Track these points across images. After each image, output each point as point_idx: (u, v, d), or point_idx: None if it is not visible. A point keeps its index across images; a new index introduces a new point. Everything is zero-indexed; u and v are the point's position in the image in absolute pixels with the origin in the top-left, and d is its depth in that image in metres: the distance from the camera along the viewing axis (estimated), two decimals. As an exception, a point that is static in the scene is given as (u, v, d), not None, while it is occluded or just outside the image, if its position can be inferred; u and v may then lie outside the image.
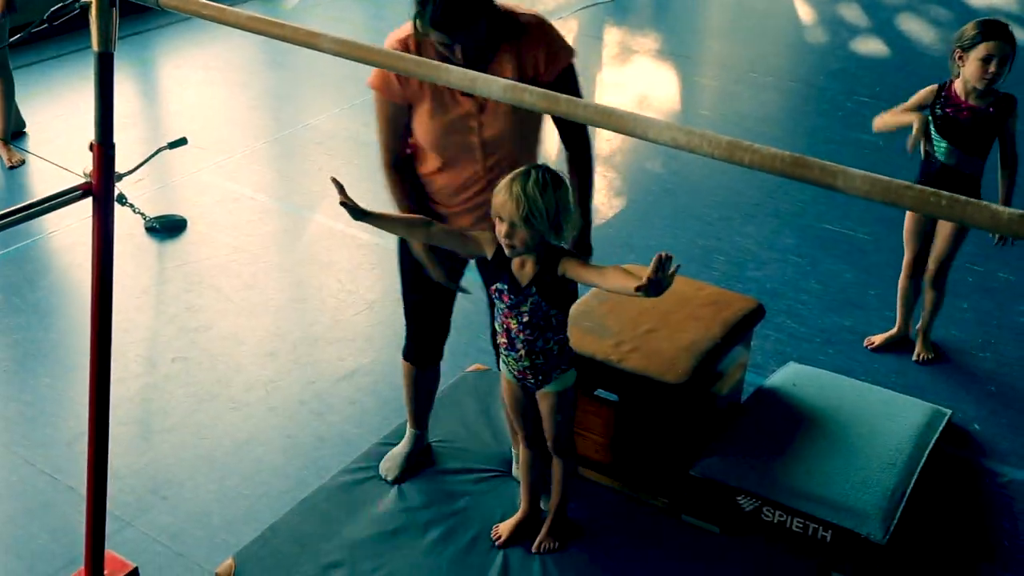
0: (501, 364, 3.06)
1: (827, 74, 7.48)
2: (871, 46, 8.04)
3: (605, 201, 5.60)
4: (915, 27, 8.48)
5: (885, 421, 3.74)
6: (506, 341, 2.93)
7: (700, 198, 5.47)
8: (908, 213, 4.24)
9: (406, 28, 2.93)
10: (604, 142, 6.11)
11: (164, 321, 4.66)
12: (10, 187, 5.76)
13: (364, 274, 5.00)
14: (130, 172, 2.94)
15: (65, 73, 7.18)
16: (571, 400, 3.05)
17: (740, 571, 3.33)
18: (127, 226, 5.19)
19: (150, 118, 6.65)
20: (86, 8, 2.62)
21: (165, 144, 5.60)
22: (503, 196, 2.66)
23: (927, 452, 3.63)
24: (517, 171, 2.69)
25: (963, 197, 1.83)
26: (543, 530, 3.26)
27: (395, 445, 3.68)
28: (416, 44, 2.88)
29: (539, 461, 3.23)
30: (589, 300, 3.82)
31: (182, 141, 5.71)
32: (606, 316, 3.72)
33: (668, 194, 5.70)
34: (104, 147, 2.77)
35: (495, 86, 2.11)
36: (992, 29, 3.84)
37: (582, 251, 3.20)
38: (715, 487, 3.47)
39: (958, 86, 3.94)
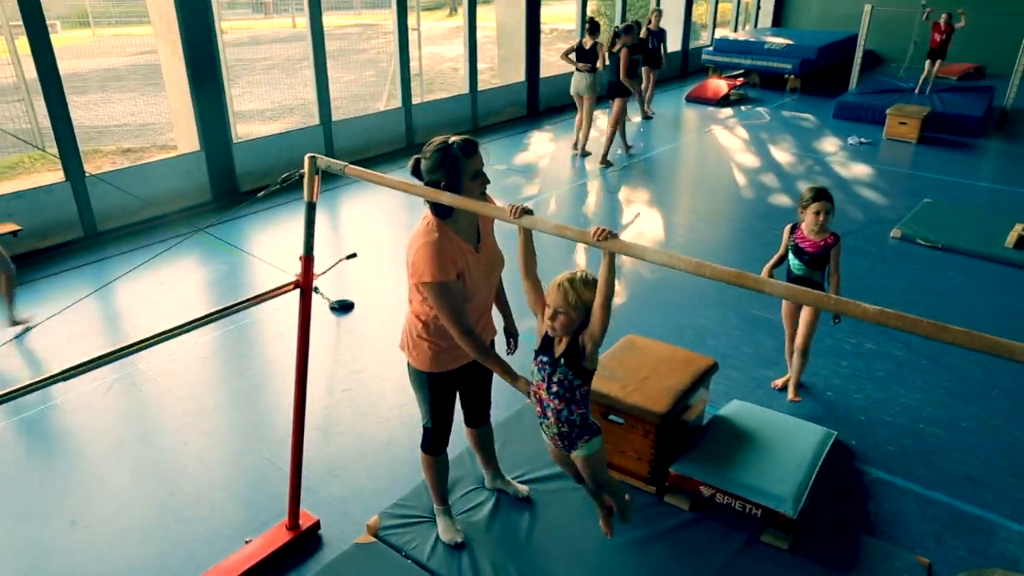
0: (542, 431, 2.61)
1: (756, 216, 7.47)
2: (779, 199, 8.02)
3: (617, 295, 5.60)
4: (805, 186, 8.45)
5: (794, 438, 3.68)
6: (540, 410, 2.53)
7: (676, 294, 5.47)
8: (784, 303, 4.29)
9: (432, 227, 2.59)
10: (617, 260, 6.11)
11: (338, 366, 4.71)
12: (247, 281, 5.90)
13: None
14: (322, 273, 3.02)
15: (287, 213, 7.36)
16: (600, 458, 2.59)
17: (703, 534, 3.27)
18: (317, 307, 5.29)
19: (335, 241, 6.82)
20: (302, 176, 2.76)
21: (344, 256, 5.76)
22: (556, 292, 2.34)
23: (822, 458, 3.56)
24: (567, 274, 2.36)
25: (844, 299, 1.85)
26: (617, 513, 2.84)
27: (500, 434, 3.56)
28: (443, 233, 2.57)
29: (600, 499, 2.80)
30: (605, 360, 3.82)
31: (354, 255, 5.87)
32: (616, 368, 3.72)
33: (656, 292, 5.70)
34: (307, 259, 2.88)
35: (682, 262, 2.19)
36: (819, 193, 3.92)
37: None
38: (686, 480, 3.43)
39: (803, 227, 4.00)
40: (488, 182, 2.63)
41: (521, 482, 3.55)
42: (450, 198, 2.46)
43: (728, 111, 12.55)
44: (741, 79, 14.15)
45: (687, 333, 4.97)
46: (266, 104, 9.90)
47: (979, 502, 3.55)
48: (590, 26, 8.96)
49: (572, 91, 9.12)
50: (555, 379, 2.45)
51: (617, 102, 8.93)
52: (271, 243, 6.61)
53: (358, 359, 4.71)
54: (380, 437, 4.00)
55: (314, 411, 4.15)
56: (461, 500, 3.43)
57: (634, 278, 6.01)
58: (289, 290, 2.87)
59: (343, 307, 5.37)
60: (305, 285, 2.90)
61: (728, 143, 10.48)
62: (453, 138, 2.60)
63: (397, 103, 9.66)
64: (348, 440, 3.97)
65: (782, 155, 9.80)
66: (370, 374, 4.54)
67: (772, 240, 6.67)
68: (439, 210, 2.62)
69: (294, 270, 2.92)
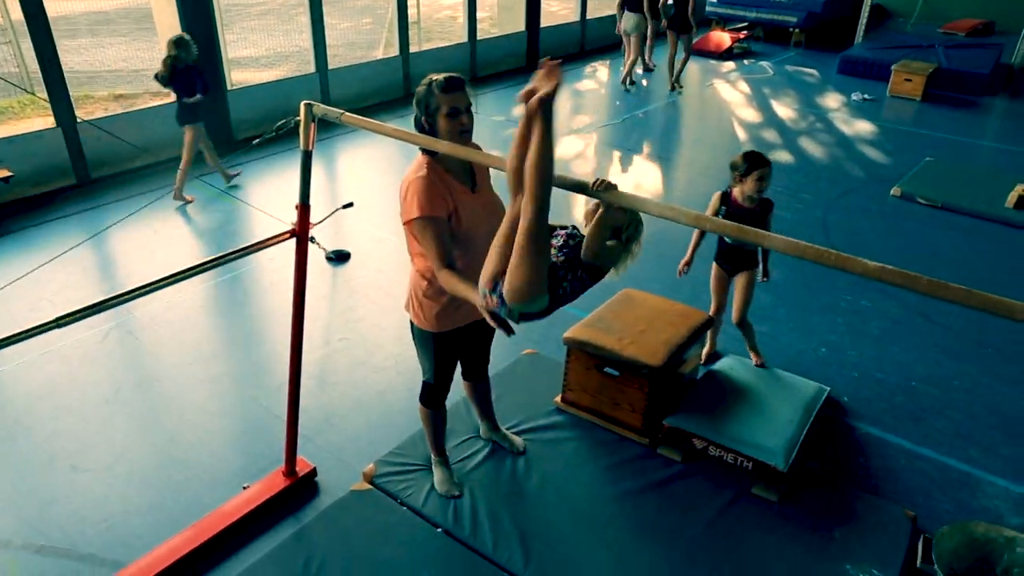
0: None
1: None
2: (781, 155, 7.96)
3: (612, 249, 5.60)
4: (808, 145, 8.39)
5: (787, 393, 3.72)
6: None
7: (675, 248, 5.43)
8: (712, 272, 4.08)
9: (421, 164, 2.55)
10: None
11: (335, 315, 4.73)
12: (244, 229, 5.88)
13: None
14: (319, 223, 3.00)
15: (282, 162, 7.29)
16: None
17: (695, 486, 3.32)
18: (314, 255, 5.29)
19: (332, 190, 6.76)
20: (297, 124, 2.73)
21: (340, 206, 5.73)
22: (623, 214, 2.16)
23: (814, 413, 3.61)
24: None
25: (845, 254, 1.84)
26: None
27: (495, 388, 3.54)
28: (432, 170, 2.46)
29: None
30: (602, 311, 3.83)
31: (350, 204, 5.83)
32: (613, 320, 3.74)
33: (655, 245, 5.64)
34: (303, 207, 2.86)
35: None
36: (760, 158, 3.73)
37: None
38: (679, 433, 3.47)
39: (736, 193, 3.79)
40: (467, 122, 2.51)
41: (515, 432, 3.59)
42: (447, 146, 2.42)
43: (731, 65, 12.37)
44: (745, 32, 13.91)
45: (684, 288, 4.97)
46: (261, 51, 9.73)
47: (966, 458, 3.61)
48: None
49: (621, 31, 10.32)
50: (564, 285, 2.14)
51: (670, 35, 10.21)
52: (267, 192, 6.57)
53: (354, 308, 4.72)
54: (376, 386, 4.03)
55: (311, 360, 4.17)
56: (457, 449, 3.48)
57: (632, 233, 5.98)
58: (285, 238, 2.85)
59: (339, 257, 5.37)
60: (301, 234, 2.89)
61: (730, 97, 10.36)
62: (438, 76, 2.55)
63: (395, 51, 9.50)
64: (344, 389, 4.01)
65: (784, 111, 9.69)
66: (367, 323, 4.55)
67: (772, 196, 6.63)
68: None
69: (290, 219, 2.90)
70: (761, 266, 4.00)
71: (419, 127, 2.56)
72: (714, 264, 4.07)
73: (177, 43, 5.92)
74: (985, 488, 3.43)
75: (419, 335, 2.90)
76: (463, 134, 2.52)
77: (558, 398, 3.78)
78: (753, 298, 4.03)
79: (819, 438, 3.66)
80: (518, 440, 3.53)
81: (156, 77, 6.00)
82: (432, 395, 3.07)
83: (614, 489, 3.26)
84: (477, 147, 2.57)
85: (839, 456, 3.59)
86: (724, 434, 3.39)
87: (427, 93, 2.52)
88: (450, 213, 2.55)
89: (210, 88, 6.49)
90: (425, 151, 2.60)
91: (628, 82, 10.50)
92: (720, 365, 3.97)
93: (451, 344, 2.90)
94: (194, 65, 6.03)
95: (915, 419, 3.87)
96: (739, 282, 3.99)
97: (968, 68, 10.76)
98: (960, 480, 3.47)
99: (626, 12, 10.19)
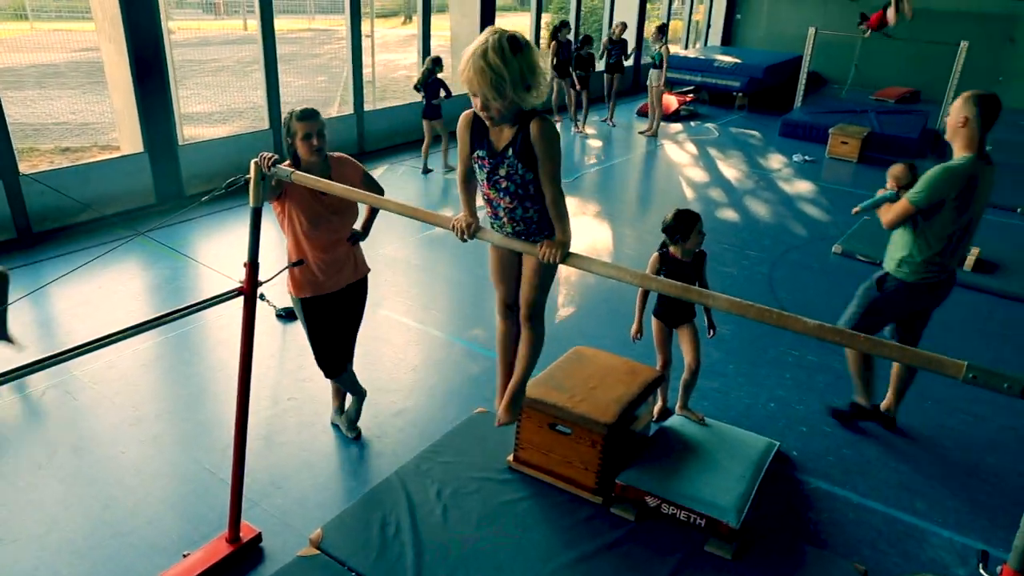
0: (492, 232, 2.37)
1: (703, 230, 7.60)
2: (727, 214, 8.19)
3: (564, 305, 5.65)
4: (753, 203, 8.65)
5: (738, 448, 3.75)
6: (490, 210, 2.33)
7: (624, 305, 5.52)
8: (654, 329, 4.01)
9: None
10: (564, 269, 6.17)
11: (283, 374, 4.63)
12: (190, 286, 5.77)
13: (411, 348, 4.99)
14: (268, 280, 2.97)
15: (233, 218, 7.23)
16: (551, 273, 2.41)
17: (648, 546, 3.29)
18: (263, 313, 5.21)
19: (282, 247, 6.71)
20: (247, 182, 2.72)
21: (290, 263, 5.65)
22: (469, 72, 2.00)
23: (764, 468, 3.63)
24: (478, 42, 2.00)
25: (786, 313, 1.89)
26: (507, 397, 2.61)
27: (439, 458, 3.71)
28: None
29: (510, 335, 2.66)
30: (553, 369, 3.83)
31: (300, 262, 5.76)
32: (564, 378, 3.73)
33: (604, 302, 5.74)
34: (252, 265, 2.83)
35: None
36: (691, 215, 3.70)
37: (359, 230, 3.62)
38: (632, 491, 3.45)
39: (674, 251, 3.81)
40: (317, 143, 3.23)
41: (467, 493, 3.53)
42: (397, 206, 2.47)
43: (678, 126, 12.78)
44: (691, 95, 14.43)
45: (635, 345, 5.01)
46: (215, 107, 9.70)
47: (912, 510, 3.66)
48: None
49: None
50: (500, 173, 2.21)
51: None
52: (216, 248, 6.47)
53: (304, 368, 4.63)
54: (324, 447, 3.94)
55: (258, 420, 4.07)
56: (412, 514, 3.39)
57: (582, 289, 6.06)
58: (233, 296, 2.81)
59: (289, 315, 5.28)
60: (249, 292, 2.85)
61: (678, 158, 10.67)
62: (297, 108, 3.26)
63: (349, 109, 9.58)
64: (292, 450, 3.90)
65: (730, 171, 10.01)
66: (316, 384, 4.47)
67: (720, 252, 6.81)
68: (293, 160, 3.31)
69: (239, 276, 2.86)
70: (706, 321, 4.06)
71: (286, 148, 3.30)
72: (654, 319, 4.10)
73: (435, 60, 8.64)
74: (931, 539, 3.47)
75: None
76: (316, 151, 3.26)
77: (510, 457, 3.74)
78: (699, 346, 4.04)
79: (770, 493, 3.67)
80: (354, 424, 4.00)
81: (415, 87, 8.73)
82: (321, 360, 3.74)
83: (568, 552, 3.20)
84: (338, 160, 3.42)
85: (790, 511, 3.60)
86: (676, 492, 3.38)
87: (288, 121, 3.26)
88: (285, 194, 3.32)
89: (451, 94, 8.76)
90: (292, 161, 3.30)
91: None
92: (672, 422, 3.98)
93: (317, 312, 3.57)
94: (439, 78, 8.59)
95: (862, 472, 3.92)
96: (683, 335, 4.00)
97: (898, 132, 11.31)
98: (907, 532, 3.51)
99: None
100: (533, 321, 2.54)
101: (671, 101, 13.31)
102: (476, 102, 2.09)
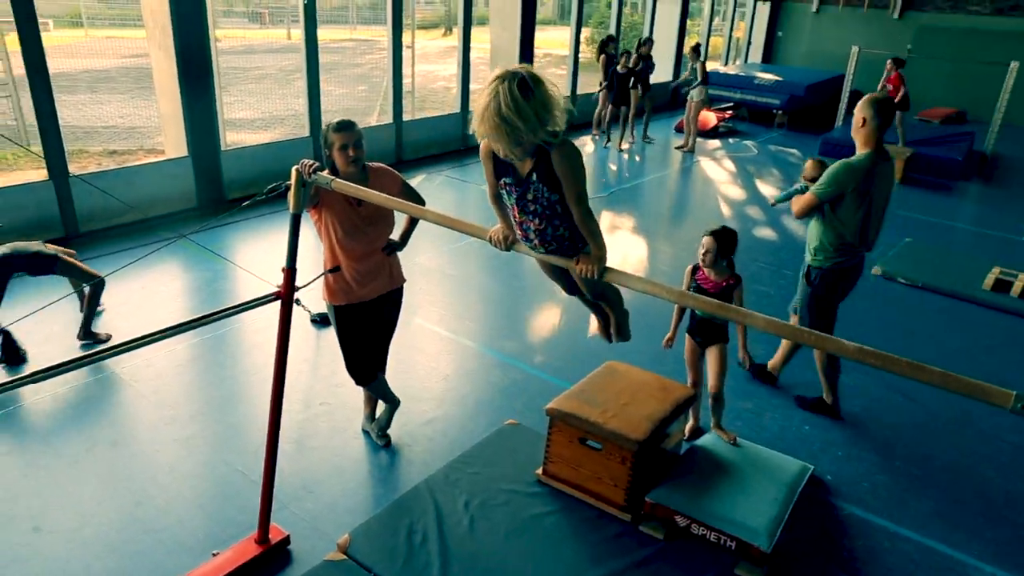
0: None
1: (741, 248, 7.51)
2: (765, 232, 8.09)
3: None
4: (792, 223, 8.53)
5: (771, 470, 3.68)
6: (521, 233, 2.36)
7: (661, 320, 5.45)
8: (686, 347, 4.07)
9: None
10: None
11: (317, 379, 4.67)
12: (228, 288, 5.85)
13: (443, 358, 5.01)
14: (304, 286, 3.01)
15: (273, 223, 7.32)
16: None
17: (677, 566, 3.25)
18: (298, 318, 5.25)
19: (317, 252, 6.78)
20: (288, 187, 2.76)
21: (327, 269, 5.71)
22: (485, 129, 2.03)
23: (797, 492, 3.56)
24: (487, 95, 2.00)
25: (823, 334, 1.86)
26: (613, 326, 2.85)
27: (468, 468, 3.71)
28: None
29: (599, 309, 2.83)
30: (584, 384, 3.81)
31: (336, 268, 5.81)
32: (596, 392, 3.71)
33: (639, 316, 5.66)
34: (290, 270, 2.87)
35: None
36: (712, 232, 3.79)
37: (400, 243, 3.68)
38: (661, 509, 3.41)
39: (706, 269, 3.85)
40: (354, 153, 3.29)
41: (495, 505, 3.52)
42: (436, 216, 2.50)
43: (716, 143, 12.69)
44: (730, 112, 14.32)
45: (667, 361, 4.96)
46: (257, 113, 9.88)
47: (950, 541, 3.56)
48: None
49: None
50: (528, 198, 2.23)
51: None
52: (255, 253, 6.56)
53: (337, 373, 4.66)
54: (355, 453, 3.96)
55: (290, 424, 4.10)
56: (439, 523, 3.39)
57: (617, 304, 6.01)
58: (270, 301, 2.84)
59: (324, 320, 5.33)
60: (285, 297, 2.89)
61: (715, 175, 10.58)
62: (335, 120, 3.33)
63: (388, 119, 9.68)
64: (323, 455, 3.93)
65: (768, 189, 9.90)
66: (348, 389, 4.50)
67: (756, 272, 6.73)
68: (332, 170, 3.33)
69: (277, 281, 2.90)
70: (739, 345, 4.02)
71: (325, 158, 3.36)
72: (687, 337, 4.08)
73: (645, 43, 10.52)
74: (969, 572, 3.37)
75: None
76: (353, 162, 3.33)
77: (539, 470, 3.72)
78: (727, 370, 3.99)
79: (803, 517, 3.60)
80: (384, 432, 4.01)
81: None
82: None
83: (596, 569, 3.17)
84: (376, 170, 3.46)
85: (823, 536, 3.53)
86: (707, 512, 3.33)
87: (325, 133, 3.34)
88: (321, 201, 3.37)
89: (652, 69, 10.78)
90: (330, 171, 3.29)
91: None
92: (703, 441, 3.93)
93: (351, 320, 3.62)
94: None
95: (898, 499, 3.82)
96: (710, 355, 3.96)
97: (943, 154, 11.08)
98: (943, 564, 3.41)
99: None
100: (603, 300, 2.76)
101: (709, 117, 13.21)
102: (499, 149, 2.12)
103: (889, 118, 3.96)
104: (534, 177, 2.19)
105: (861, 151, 4.00)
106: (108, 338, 4.90)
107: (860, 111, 3.95)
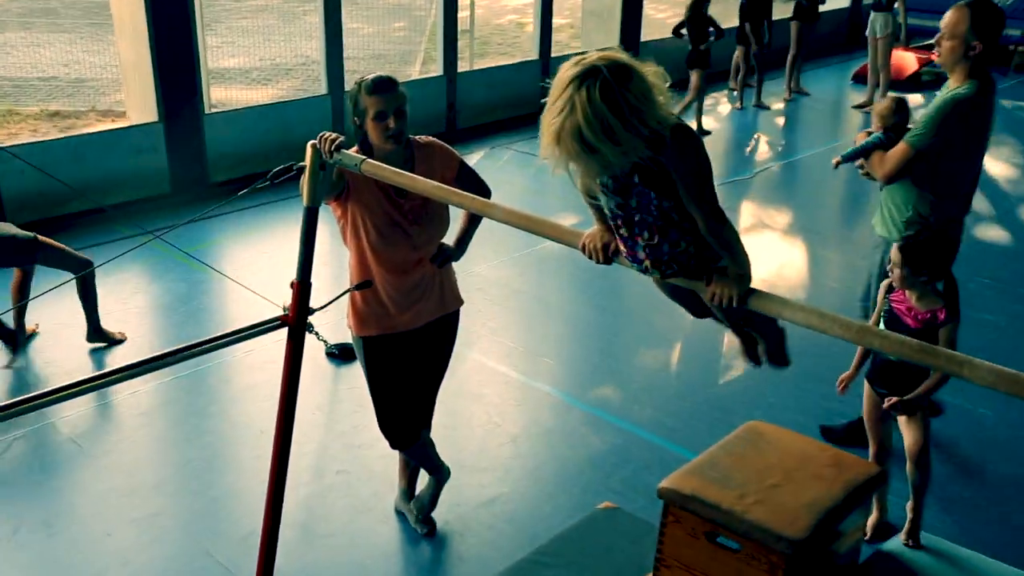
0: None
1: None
2: (990, 233, 7.88)
3: (734, 359, 5.56)
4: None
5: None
6: (628, 253, 2.36)
7: (826, 362, 5.37)
8: (864, 397, 4.09)
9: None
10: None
11: (333, 436, 4.76)
12: (213, 308, 6.01)
13: (510, 409, 5.05)
14: (321, 308, 3.08)
15: (276, 217, 7.49)
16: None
17: None
18: (309, 350, 5.24)
19: (340, 262, 6.93)
20: (301, 170, 2.84)
21: (353, 285, 5.83)
22: (563, 156, 2.05)
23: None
24: (557, 107, 2.02)
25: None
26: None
27: (546, 572, 3.72)
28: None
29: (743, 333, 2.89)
30: (717, 453, 3.79)
31: (367, 283, 5.93)
32: (733, 467, 3.67)
33: (796, 356, 5.60)
34: (302, 285, 2.94)
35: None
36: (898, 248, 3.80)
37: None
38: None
39: (906, 292, 3.77)
40: (394, 126, 3.33)
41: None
42: (506, 214, 2.54)
43: (917, 97, 12.43)
44: (937, 52, 14.01)
45: (839, 422, 4.88)
46: (253, 61, 10.18)
47: None
48: None
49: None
50: (632, 205, 2.25)
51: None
52: (252, 260, 6.76)
53: (361, 428, 4.74)
54: (385, 545, 4.02)
55: (295, 500, 4.14)
56: None
57: (765, 337, 5.94)
58: (273, 327, 2.91)
59: (345, 354, 5.43)
60: (295, 322, 2.95)
61: (913, 147, 10.37)
62: (369, 76, 3.37)
63: (437, 69, 9.83)
64: (339, 544, 3.99)
65: (996, 166, 9.64)
66: (378, 451, 4.56)
67: (976, 291, 6.56)
68: (362, 147, 3.43)
69: (282, 299, 2.97)
70: (920, 392, 3.83)
71: (353, 130, 3.42)
72: (866, 384, 4.00)
73: None
74: None
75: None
76: (390, 138, 3.36)
77: (649, 577, 3.71)
78: (930, 446, 3.88)
79: None
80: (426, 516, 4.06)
81: (676, 28, 10.19)
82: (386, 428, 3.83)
83: None
84: (424, 147, 3.54)
85: None
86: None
87: (356, 94, 3.37)
88: (347, 194, 3.44)
89: (724, 34, 10.19)
90: (361, 147, 3.40)
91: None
92: (895, 545, 3.85)
93: (382, 355, 3.69)
94: (709, 15, 9.66)
95: None
96: (905, 423, 3.88)
97: None
98: None
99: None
100: (749, 327, 2.78)
101: (906, 60, 12.95)
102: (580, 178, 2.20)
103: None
104: (636, 179, 2.20)
105: (962, 80, 4.13)
106: (124, 339, 5.50)
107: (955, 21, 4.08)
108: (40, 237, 5.27)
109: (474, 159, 9.23)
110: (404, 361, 3.72)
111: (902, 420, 3.91)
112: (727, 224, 2.24)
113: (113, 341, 5.44)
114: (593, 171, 2.11)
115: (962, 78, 4.13)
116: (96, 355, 5.38)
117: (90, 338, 5.41)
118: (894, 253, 3.74)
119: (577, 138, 1.98)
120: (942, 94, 4.19)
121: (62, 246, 5.35)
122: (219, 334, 2.82)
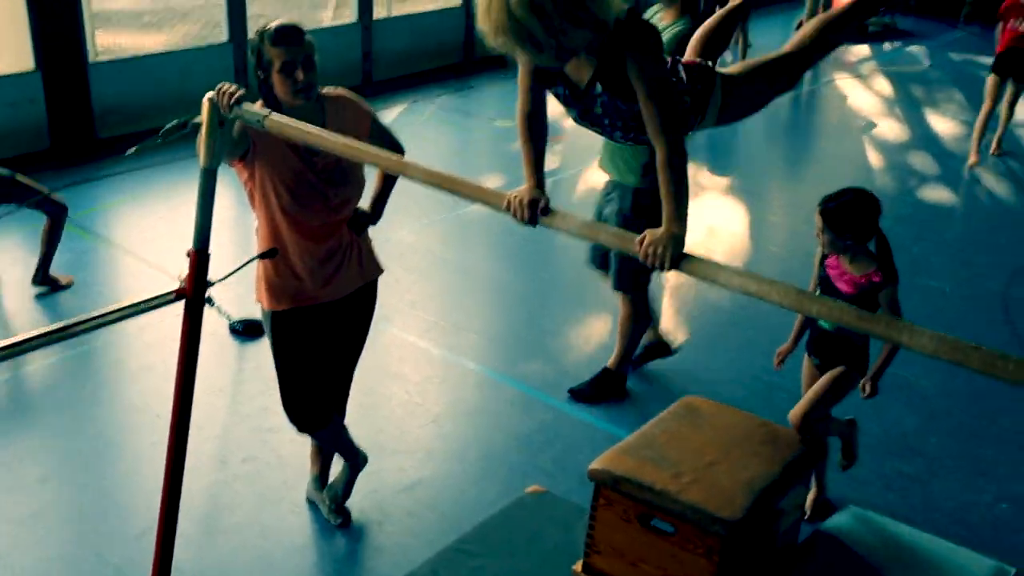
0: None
1: (894, 218, 7.47)
2: (937, 196, 8.05)
3: (671, 330, 5.63)
4: (985, 185, 8.48)
5: (946, 573, 3.68)
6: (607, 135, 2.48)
7: (766, 334, 5.46)
8: (804, 368, 4.11)
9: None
10: (671, 276, 6.13)
11: (237, 420, 4.73)
12: (101, 281, 5.91)
13: (432, 388, 5.06)
14: (222, 280, 3.04)
15: (168, 178, 7.38)
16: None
17: None
18: (211, 326, 5.25)
19: (244, 227, 6.84)
20: (197, 127, 2.79)
21: (258, 253, 5.76)
22: (491, 31, 2.11)
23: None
24: None
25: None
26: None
27: (470, 561, 3.72)
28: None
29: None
30: (651, 431, 3.83)
31: (273, 252, 5.87)
32: (667, 444, 3.72)
33: (734, 326, 5.70)
34: (200, 255, 2.90)
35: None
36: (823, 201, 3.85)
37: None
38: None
39: (838, 257, 3.82)
40: (302, 78, 3.28)
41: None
42: (425, 173, 2.52)
43: (864, 49, 12.63)
44: None
45: (779, 397, 4.97)
46: (145, 2, 9.97)
47: None
48: None
49: None
50: (596, 112, 2.33)
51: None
52: (144, 226, 6.66)
53: (268, 411, 4.71)
54: (296, 537, 4.01)
55: (196, 491, 4.09)
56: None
57: (699, 307, 6.04)
58: (168, 301, 2.88)
59: (250, 329, 5.40)
60: (194, 295, 2.92)
61: (858, 103, 10.55)
62: (272, 24, 3.32)
63: (351, 15, 9.72)
64: (246, 536, 3.98)
65: (945, 127, 9.84)
66: (286, 435, 4.52)
67: (923, 258, 6.71)
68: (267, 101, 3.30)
69: (177, 270, 2.93)
70: (876, 366, 3.90)
71: (257, 84, 3.35)
72: (804, 356, 4.06)
73: None
74: None
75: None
76: (299, 92, 3.31)
77: (578, 565, 3.75)
78: (833, 400, 3.90)
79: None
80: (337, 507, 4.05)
81: None
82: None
83: None
84: (335, 101, 3.51)
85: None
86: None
87: (258, 43, 3.33)
88: (251, 151, 3.40)
89: None
90: (266, 102, 3.25)
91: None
92: (836, 522, 3.94)
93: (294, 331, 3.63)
94: None
95: None
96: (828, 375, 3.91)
97: None
98: None
99: None
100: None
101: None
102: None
103: None
104: (598, 88, 2.24)
105: (675, 17, 4.53)
106: (70, 284, 5.73)
107: None
108: (18, 176, 5.52)
109: (393, 114, 9.16)
110: (320, 337, 3.69)
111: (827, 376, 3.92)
112: (683, 162, 2.26)
113: (59, 287, 5.69)
114: (525, 55, 2.12)
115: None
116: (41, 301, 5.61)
117: (37, 280, 5.66)
118: (817, 217, 3.78)
119: (504, 8, 2.01)
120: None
121: (41, 187, 5.59)
122: (107, 309, 2.77)
